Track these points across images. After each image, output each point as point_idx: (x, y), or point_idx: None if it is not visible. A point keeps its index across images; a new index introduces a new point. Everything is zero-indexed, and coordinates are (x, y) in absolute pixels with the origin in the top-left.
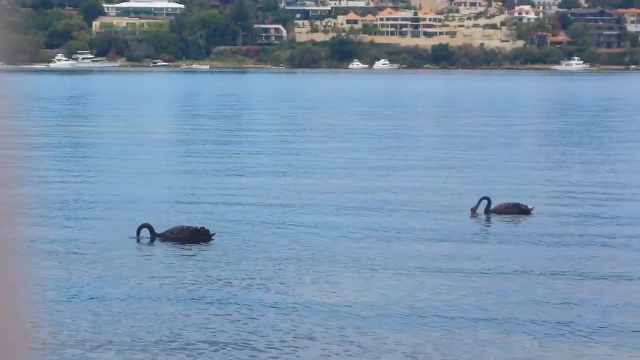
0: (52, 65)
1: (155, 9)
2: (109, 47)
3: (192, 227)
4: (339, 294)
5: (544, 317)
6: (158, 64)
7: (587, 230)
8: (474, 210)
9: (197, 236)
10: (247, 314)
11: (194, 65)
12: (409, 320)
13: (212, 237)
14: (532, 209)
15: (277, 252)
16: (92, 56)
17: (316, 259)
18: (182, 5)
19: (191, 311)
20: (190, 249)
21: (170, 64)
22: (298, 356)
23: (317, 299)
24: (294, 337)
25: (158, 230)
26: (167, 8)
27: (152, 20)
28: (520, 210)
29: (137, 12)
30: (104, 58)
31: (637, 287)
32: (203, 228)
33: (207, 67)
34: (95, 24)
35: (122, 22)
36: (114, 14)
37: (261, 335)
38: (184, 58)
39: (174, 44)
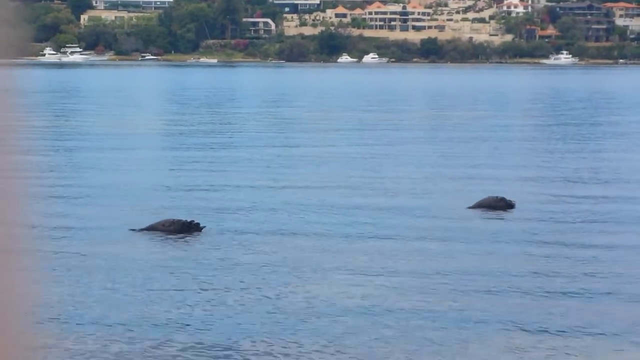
0: (40, 59)
1: (144, 2)
2: (98, 40)
3: (182, 219)
4: (325, 289)
5: (526, 315)
6: (147, 57)
7: (570, 225)
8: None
9: (188, 229)
10: (233, 307)
11: (201, 59)
12: (394, 318)
13: (202, 230)
14: (515, 203)
15: (266, 247)
16: (81, 50)
17: (304, 254)
18: None
19: (174, 300)
20: (180, 241)
21: (159, 57)
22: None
23: (303, 294)
24: (279, 333)
25: (148, 223)
26: (156, 1)
27: (140, 14)
28: (506, 204)
29: (125, 5)
30: (92, 52)
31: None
32: (193, 221)
33: (215, 60)
34: (84, 18)
35: (110, 15)
36: (103, 8)
37: (245, 329)
38: (172, 52)
39: (162, 37)
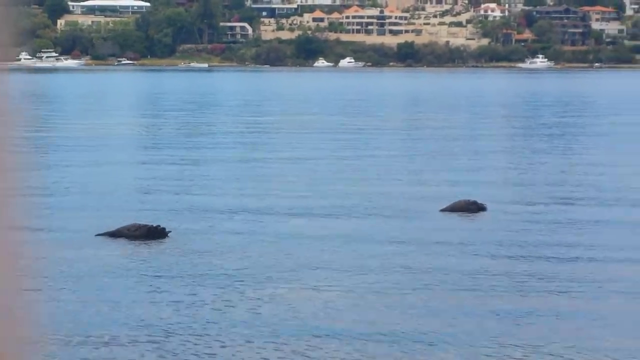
0: (16, 63)
1: (121, 7)
2: (74, 45)
3: (148, 224)
4: (295, 294)
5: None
6: (123, 62)
7: (541, 229)
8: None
9: (154, 234)
10: (196, 313)
11: (192, 63)
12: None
13: (167, 235)
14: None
15: (232, 253)
16: (57, 55)
17: (272, 259)
18: (147, 4)
19: (139, 306)
20: (145, 246)
21: (135, 62)
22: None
23: (270, 300)
24: (245, 338)
25: (115, 227)
26: (132, 6)
27: (117, 19)
28: (478, 207)
29: (102, 10)
30: (68, 56)
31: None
32: (159, 226)
33: (205, 65)
34: (60, 22)
35: (87, 20)
36: (80, 12)
37: (213, 333)
38: (149, 56)
39: (139, 42)
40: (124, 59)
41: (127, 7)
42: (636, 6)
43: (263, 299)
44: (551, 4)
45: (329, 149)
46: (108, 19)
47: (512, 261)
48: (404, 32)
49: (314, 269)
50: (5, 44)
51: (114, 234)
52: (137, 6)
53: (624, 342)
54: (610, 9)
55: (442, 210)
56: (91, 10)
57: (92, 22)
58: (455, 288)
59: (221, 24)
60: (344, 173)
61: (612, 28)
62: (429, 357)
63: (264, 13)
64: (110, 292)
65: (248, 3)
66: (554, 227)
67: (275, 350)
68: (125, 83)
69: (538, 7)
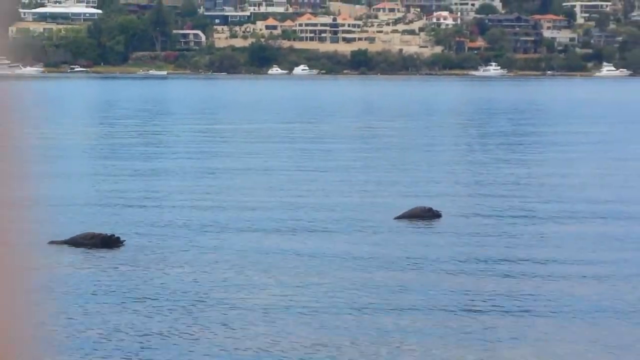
0: None
1: (73, 14)
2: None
3: (103, 233)
4: (248, 298)
5: (451, 321)
6: (75, 69)
7: (494, 231)
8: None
9: (109, 243)
10: (148, 324)
11: (151, 71)
12: (320, 319)
13: (122, 244)
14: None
15: (187, 260)
16: (9, 62)
17: (225, 269)
18: (99, 11)
19: (92, 317)
20: (100, 256)
21: (88, 69)
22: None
23: (221, 309)
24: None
25: (70, 235)
26: (84, 13)
27: (69, 26)
28: (433, 214)
29: (54, 17)
30: (19, 64)
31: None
32: (114, 235)
33: (165, 72)
34: (12, 30)
35: (39, 27)
36: (31, 19)
37: (164, 339)
38: (101, 64)
39: (91, 49)
40: (77, 66)
41: (78, 14)
42: (587, 15)
43: (211, 313)
44: (503, 12)
45: (284, 159)
46: (60, 26)
47: (463, 271)
48: (357, 39)
49: (263, 285)
50: None
51: (68, 242)
52: (89, 13)
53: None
54: (561, 18)
55: (397, 218)
56: (43, 17)
57: (44, 29)
58: (401, 305)
59: (174, 31)
60: (299, 183)
61: (563, 36)
62: None
63: (217, 21)
64: (58, 300)
65: (201, 10)
66: (508, 235)
67: None
68: (79, 91)
69: (490, 15)
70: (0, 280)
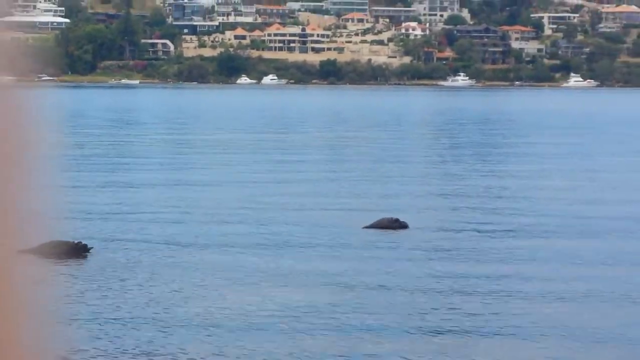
0: None
1: (41, 23)
2: None
3: (70, 241)
4: (214, 306)
5: (416, 320)
6: (43, 78)
7: (459, 243)
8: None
9: (75, 250)
10: (114, 328)
11: (123, 80)
12: (291, 327)
13: (89, 252)
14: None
15: (154, 267)
16: None
17: (195, 273)
18: (67, 20)
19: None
20: (65, 263)
21: (56, 78)
22: None
23: (187, 310)
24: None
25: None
26: (52, 22)
27: (37, 35)
28: (400, 225)
29: (22, 26)
30: None
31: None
32: (80, 242)
33: (137, 82)
34: None
35: (6, 36)
36: None
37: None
38: (69, 73)
39: (59, 58)
40: (44, 75)
41: (46, 23)
42: (554, 26)
43: (182, 307)
44: (471, 23)
45: (253, 170)
46: (27, 35)
47: (419, 288)
48: (326, 49)
49: (225, 303)
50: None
51: (35, 251)
52: (57, 22)
53: None
54: (529, 29)
55: (366, 228)
56: (10, 26)
57: (11, 38)
58: (370, 307)
59: (142, 40)
60: (270, 193)
61: (531, 47)
62: None
63: (186, 30)
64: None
65: (169, 20)
66: (470, 249)
67: None
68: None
69: (458, 25)
70: None
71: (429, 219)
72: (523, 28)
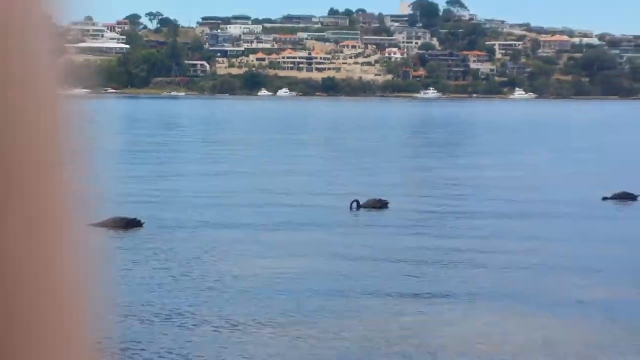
0: None
1: (107, 48)
2: None
3: (126, 217)
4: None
5: (395, 287)
6: (108, 91)
7: (429, 221)
8: (351, 209)
9: (131, 225)
10: (170, 293)
11: (173, 92)
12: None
13: (142, 226)
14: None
15: (191, 238)
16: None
17: (222, 250)
18: (127, 45)
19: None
20: (124, 234)
21: (118, 91)
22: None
23: (218, 272)
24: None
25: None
26: (115, 48)
27: (104, 57)
28: (382, 204)
29: (92, 50)
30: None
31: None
32: (135, 218)
33: (183, 94)
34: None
35: (80, 58)
36: (73, 52)
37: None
38: (129, 87)
39: (121, 75)
40: (109, 88)
41: (111, 48)
42: (504, 51)
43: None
44: (439, 49)
45: (270, 162)
46: (96, 57)
47: (402, 258)
48: (327, 69)
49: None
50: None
51: (101, 224)
52: (119, 47)
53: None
54: (483, 53)
55: (351, 208)
56: (83, 50)
57: (84, 60)
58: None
59: (185, 61)
60: (280, 183)
61: (485, 67)
62: None
63: (219, 54)
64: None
65: (206, 46)
66: (440, 225)
67: None
68: (112, 108)
69: (429, 51)
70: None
71: (406, 200)
72: (479, 53)
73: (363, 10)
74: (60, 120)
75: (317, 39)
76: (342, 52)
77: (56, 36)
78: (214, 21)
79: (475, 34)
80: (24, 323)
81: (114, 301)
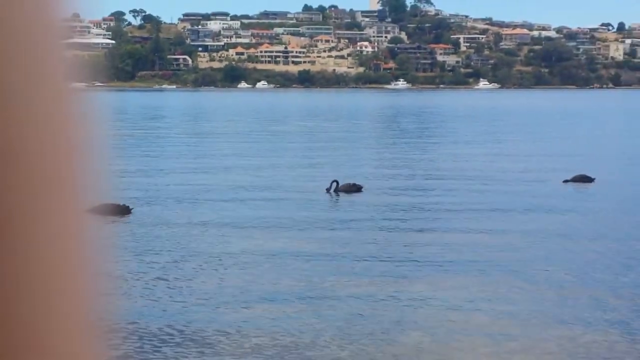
0: None
1: (93, 43)
2: None
3: (116, 203)
4: (223, 247)
5: (375, 264)
6: (96, 84)
7: (401, 201)
8: (328, 190)
9: (121, 211)
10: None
11: (164, 85)
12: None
13: (131, 212)
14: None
15: (179, 223)
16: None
17: (214, 243)
18: (113, 41)
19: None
20: (114, 220)
21: (105, 84)
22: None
23: (207, 251)
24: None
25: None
26: (102, 43)
27: (91, 52)
28: (357, 189)
29: (81, 46)
30: None
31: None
32: (124, 204)
33: (174, 87)
34: None
35: (73, 53)
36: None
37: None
38: (115, 80)
39: (107, 70)
40: (96, 82)
41: (97, 43)
42: (468, 44)
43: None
44: (408, 42)
45: (250, 150)
46: (84, 52)
47: (379, 227)
48: (302, 62)
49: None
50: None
51: (93, 210)
52: (105, 43)
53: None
54: (449, 46)
55: (328, 191)
56: (73, 46)
57: (73, 54)
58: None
59: (168, 56)
60: (262, 169)
61: (451, 60)
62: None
63: (200, 48)
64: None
65: (188, 41)
66: (411, 204)
67: None
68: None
69: (399, 44)
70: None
71: (379, 184)
72: (445, 46)
73: (335, 7)
74: (70, 113)
75: (293, 33)
76: (316, 46)
77: (63, 31)
78: (194, 17)
79: (441, 28)
80: (28, 317)
81: (115, 288)
